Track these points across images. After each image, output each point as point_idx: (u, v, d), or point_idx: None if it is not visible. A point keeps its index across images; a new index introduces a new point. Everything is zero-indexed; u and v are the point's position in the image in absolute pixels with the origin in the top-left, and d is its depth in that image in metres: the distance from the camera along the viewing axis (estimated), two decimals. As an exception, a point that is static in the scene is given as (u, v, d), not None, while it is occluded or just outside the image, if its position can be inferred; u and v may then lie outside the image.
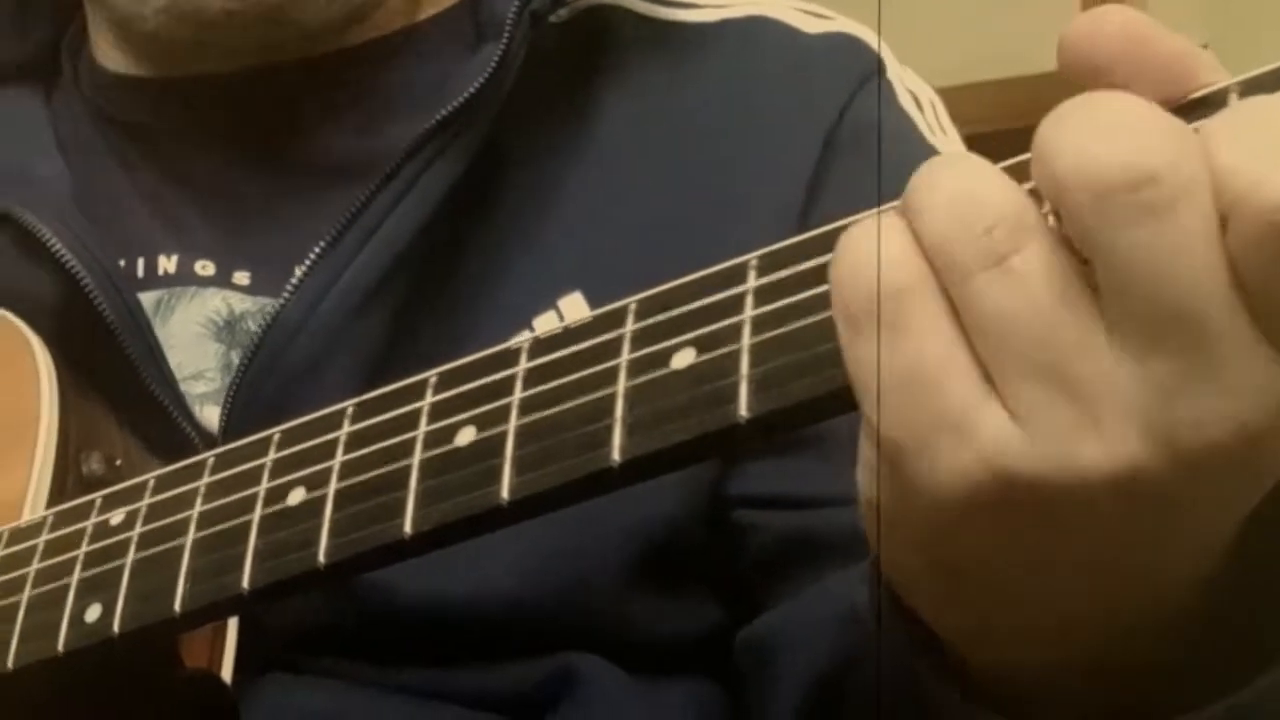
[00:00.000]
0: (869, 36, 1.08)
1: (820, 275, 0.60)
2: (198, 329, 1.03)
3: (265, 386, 0.97)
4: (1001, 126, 1.00)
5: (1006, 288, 0.54)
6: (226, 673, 0.89)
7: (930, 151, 1.04)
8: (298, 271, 0.99)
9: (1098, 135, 0.51)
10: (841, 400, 0.59)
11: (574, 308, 0.96)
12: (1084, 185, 0.52)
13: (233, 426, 0.96)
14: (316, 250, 0.98)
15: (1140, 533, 0.57)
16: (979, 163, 0.57)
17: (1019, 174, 0.56)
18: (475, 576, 0.93)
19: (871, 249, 0.56)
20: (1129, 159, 0.51)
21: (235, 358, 1.01)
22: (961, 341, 0.56)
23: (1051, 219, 0.55)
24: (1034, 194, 0.55)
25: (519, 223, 1.01)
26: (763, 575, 0.98)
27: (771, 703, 0.95)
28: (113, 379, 0.98)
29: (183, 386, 1.01)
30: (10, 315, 0.99)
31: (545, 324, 0.96)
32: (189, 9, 1.01)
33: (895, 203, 0.58)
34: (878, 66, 1.06)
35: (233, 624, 0.89)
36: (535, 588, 0.95)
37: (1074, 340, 0.54)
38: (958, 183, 0.56)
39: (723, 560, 1.00)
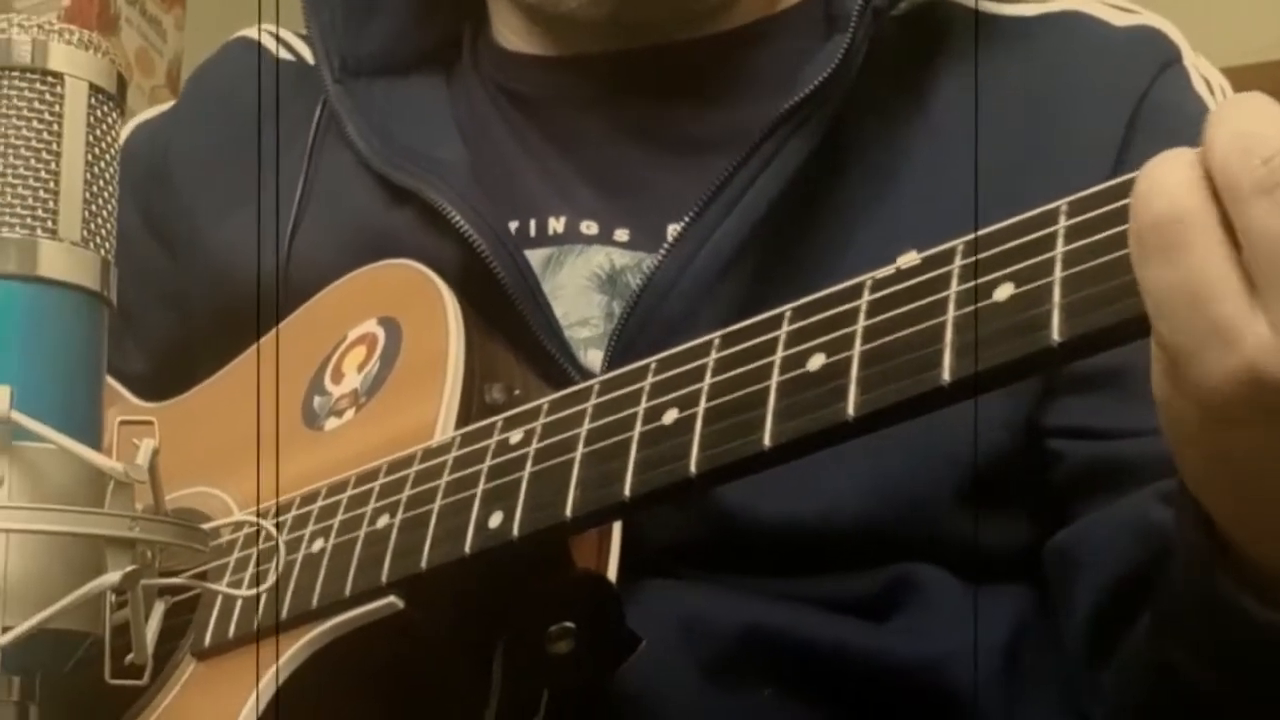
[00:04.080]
0: (1170, 29, 1.16)
1: (1121, 217, 0.69)
2: (583, 282, 1.13)
3: (642, 335, 1.05)
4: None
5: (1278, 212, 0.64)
6: (612, 574, 0.97)
7: None
8: (669, 231, 1.09)
9: None
10: (1141, 325, 0.68)
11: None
12: None
13: (614, 368, 1.05)
14: (687, 217, 1.07)
15: None
16: (1265, 103, 0.67)
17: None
18: (827, 498, 1.01)
19: (1162, 178, 0.66)
20: None
21: (616, 307, 1.10)
22: (1234, 260, 0.65)
23: None
24: None
25: (862, 192, 1.10)
26: (1069, 496, 1.06)
27: (1073, 602, 1.04)
28: (507, 330, 1.08)
29: (568, 333, 1.10)
30: (422, 266, 1.09)
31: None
32: None
33: None
34: (1176, 55, 1.15)
35: (617, 533, 0.98)
36: (880, 507, 1.03)
37: None
38: (1243, 118, 0.66)
39: (1038, 482, 1.08)
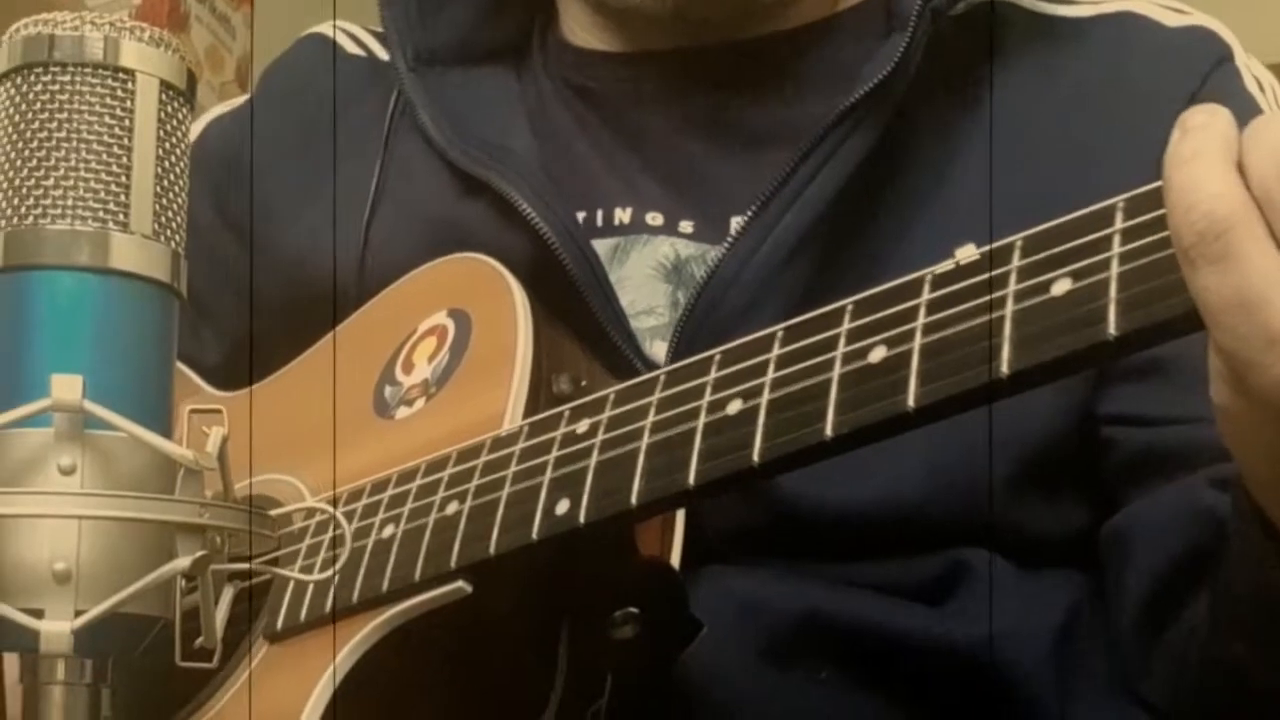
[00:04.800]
0: (1221, 29, 1.17)
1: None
2: (649, 271, 1.14)
3: (706, 325, 1.07)
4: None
5: None
6: (675, 561, 0.98)
7: None
8: (733, 223, 1.10)
9: None
10: (1196, 319, 0.68)
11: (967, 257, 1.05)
12: None
13: (678, 357, 1.03)
14: (751, 210, 1.08)
15: None
16: None
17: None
18: (885, 484, 1.02)
19: (1200, 189, 0.66)
20: None
21: (681, 297, 1.11)
22: None
23: None
24: None
25: (920, 188, 1.11)
26: (1122, 482, 1.07)
27: (1126, 584, 1.04)
28: (574, 320, 1.09)
29: (633, 321, 1.12)
30: (491, 260, 1.10)
31: (945, 271, 1.06)
32: None
33: None
34: (1228, 54, 1.15)
35: (680, 521, 0.99)
36: (937, 493, 1.05)
37: None
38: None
39: (1090, 469, 1.09)
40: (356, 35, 1.34)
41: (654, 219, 1.16)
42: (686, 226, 1.16)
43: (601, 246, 1.15)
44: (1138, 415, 1.07)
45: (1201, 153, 0.68)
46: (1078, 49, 1.16)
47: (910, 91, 1.10)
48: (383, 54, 1.30)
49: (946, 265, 0.79)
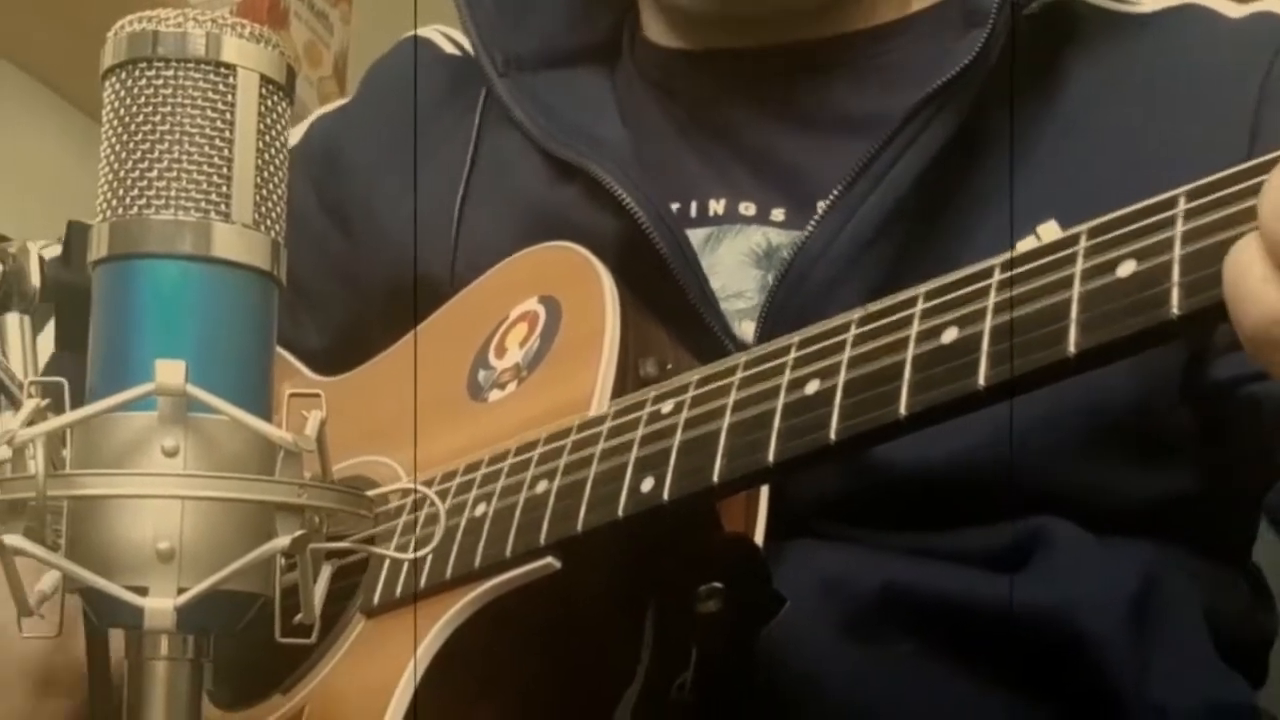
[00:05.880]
0: None
1: (1236, 200, 0.70)
2: (740, 258, 1.17)
3: (792, 303, 1.08)
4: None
5: None
6: (758, 537, 0.99)
7: None
8: (819, 208, 1.11)
9: None
10: None
11: (1049, 233, 1.04)
12: None
13: (765, 337, 1.07)
14: (836, 192, 1.10)
15: None
16: None
17: None
18: (961, 446, 1.02)
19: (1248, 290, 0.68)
20: None
21: (771, 281, 1.12)
22: None
23: None
24: None
25: (995, 179, 1.12)
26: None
27: None
28: (665, 302, 1.11)
29: (723, 305, 1.14)
30: (580, 248, 1.12)
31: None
32: None
33: None
34: None
35: (764, 498, 1.00)
36: (1013, 457, 1.04)
37: None
38: None
39: (1211, 435, 1.10)
40: (453, 36, 1.37)
41: (747, 209, 1.19)
42: (778, 215, 1.18)
43: (694, 235, 1.17)
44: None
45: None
46: (1143, 43, 1.18)
47: (987, 84, 1.11)
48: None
49: (1029, 239, 0.81)
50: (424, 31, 1.39)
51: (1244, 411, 1.09)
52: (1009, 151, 1.12)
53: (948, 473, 1.05)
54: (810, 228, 1.10)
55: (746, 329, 1.12)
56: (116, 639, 0.72)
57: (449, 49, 1.36)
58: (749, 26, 1.22)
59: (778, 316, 1.08)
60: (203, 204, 0.70)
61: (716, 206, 1.20)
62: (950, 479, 1.05)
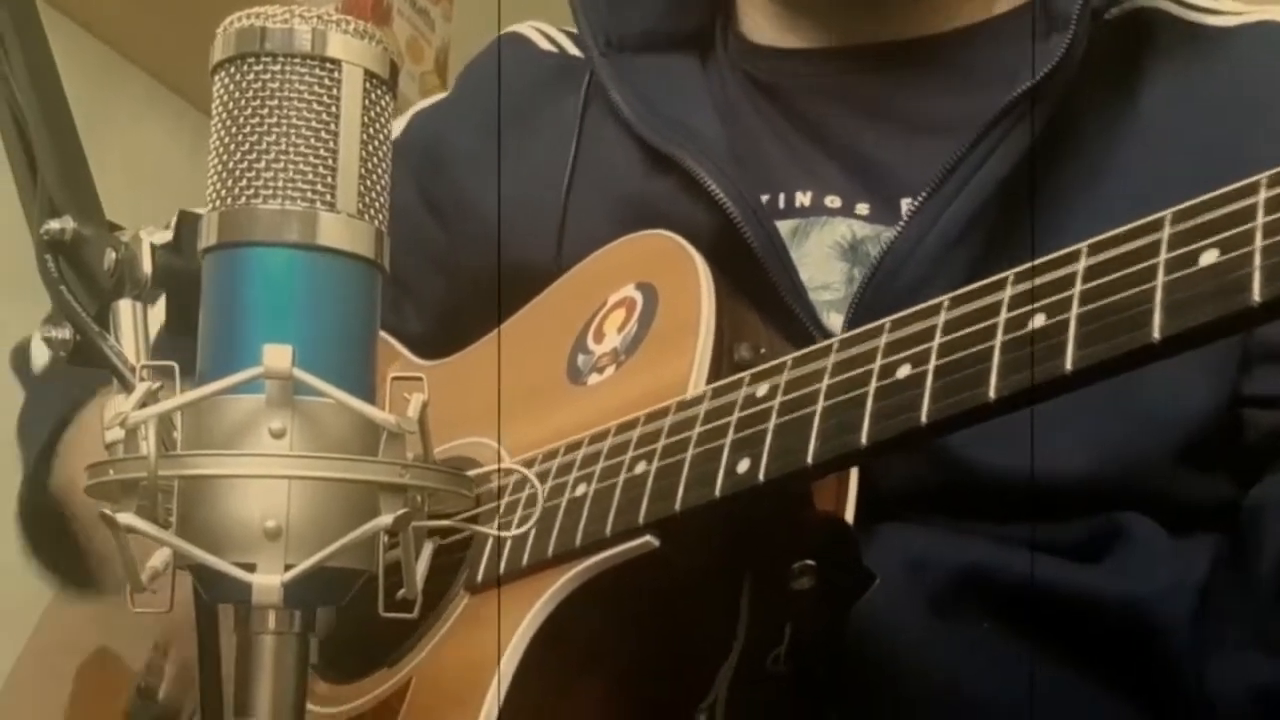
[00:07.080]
0: None
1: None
2: (827, 250, 1.18)
3: (879, 299, 1.09)
4: None
5: None
6: (849, 517, 1.00)
7: None
8: (903, 205, 1.13)
9: None
10: None
11: None
12: None
13: (852, 329, 1.07)
14: (924, 194, 1.11)
15: None
16: None
17: None
18: (1051, 455, 1.02)
19: None
20: None
21: (857, 274, 1.14)
22: None
23: None
24: None
25: (1076, 183, 1.13)
26: (1263, 459, 1.11)
27: (1264, 549, 1.08)
28: (755, 293, 1.12)
29: (811, 295, 1.15)
30: (676, 236, 1.13)
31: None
32: None
33: None
34: None
35: (854, 479, 1.01)
36: (1100, 466, 1.08)
37: None
38: None
39: (1233, 444, 1.12)
40: (549, 34, 1.40)
41: (832, 202, 1.20)
42: (863, 209, 1.19)
43: (783, 227, 1.18)
44: (1270, 396, 1.11)
45: None
46: (1224, 56, 1.19)
47: (1070, 89, 1.12)
48: (573, 50, 1.36)
49: (1104, 236, 0.81)
50: (520, 28, 1.42)
51: (1238, 429, 1.13)
52: (1087, 155, 1.14)
53: (1038, 479, 1.05)
54: (899, 228, 1.11)
55: (834, 320, 1.14)
56: (226, 614, 0.73)
57: (545, 45, 1.39)
58: (843, 25, 1.24)
59: (865, 313, 1.08)
60: (309, 194, 0.71)
61: (803, 199, 1.21)
62: (1040, 484, 1.06)
